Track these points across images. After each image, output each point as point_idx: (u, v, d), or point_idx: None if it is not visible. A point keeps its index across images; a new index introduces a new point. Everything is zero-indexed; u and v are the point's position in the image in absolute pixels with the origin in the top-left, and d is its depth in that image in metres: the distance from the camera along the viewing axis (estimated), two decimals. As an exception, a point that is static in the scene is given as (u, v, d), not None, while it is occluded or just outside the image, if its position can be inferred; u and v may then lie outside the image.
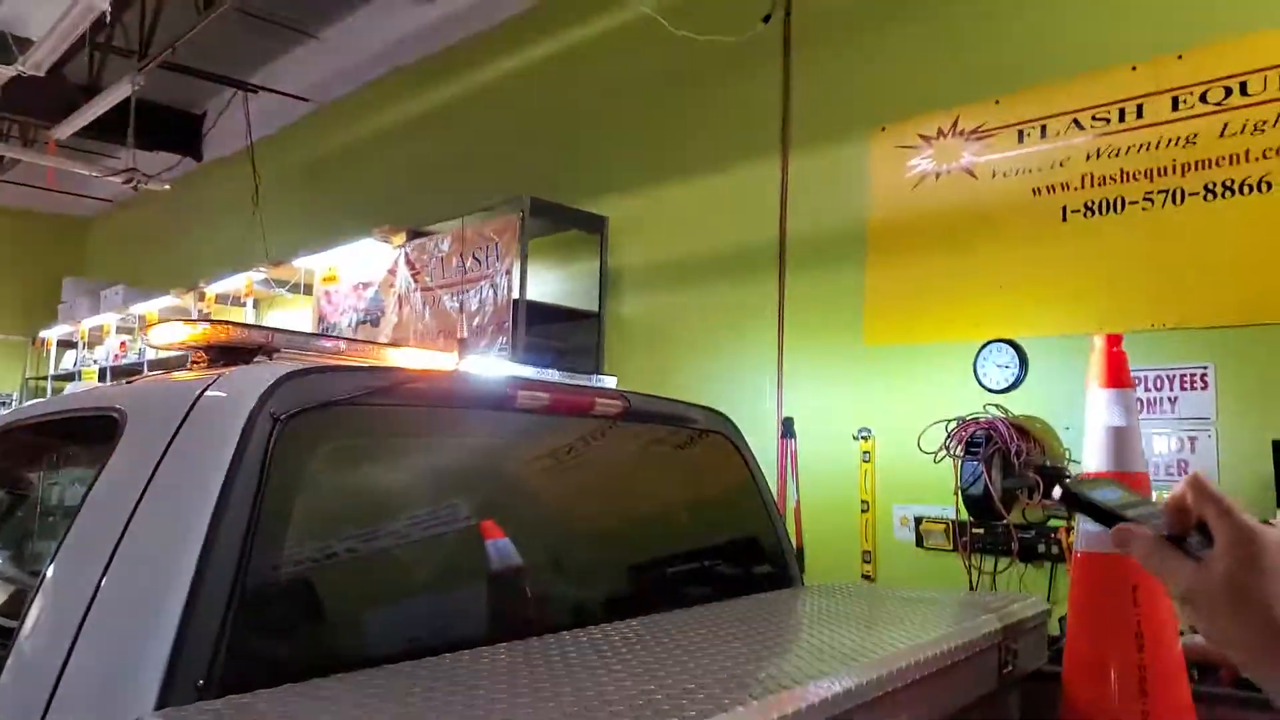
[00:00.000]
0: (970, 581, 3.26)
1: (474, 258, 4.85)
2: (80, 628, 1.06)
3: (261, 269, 6.55)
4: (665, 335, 4.64)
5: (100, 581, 1.09)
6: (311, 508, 1.27)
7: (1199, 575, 0.63)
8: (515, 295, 4.58)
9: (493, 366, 2.31)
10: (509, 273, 4.63)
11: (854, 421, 3.76)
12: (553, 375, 2.03)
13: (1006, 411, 3.27)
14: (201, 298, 7.25)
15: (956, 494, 3.15)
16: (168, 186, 6.78)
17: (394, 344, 4.41)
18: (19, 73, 5.60)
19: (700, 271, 4.50)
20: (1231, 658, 0.63)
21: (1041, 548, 3.15)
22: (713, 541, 1.96)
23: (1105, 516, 0.71)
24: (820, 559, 3.85)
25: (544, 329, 4.80)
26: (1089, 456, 1.61)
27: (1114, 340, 1.65)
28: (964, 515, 3.22)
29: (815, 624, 1.47)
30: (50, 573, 1.20)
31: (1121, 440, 1.59)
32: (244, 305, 7.02)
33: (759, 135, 4.25)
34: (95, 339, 8.98)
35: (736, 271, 4.31)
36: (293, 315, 7.08)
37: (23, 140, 7.90)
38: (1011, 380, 3.30)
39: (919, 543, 3.47)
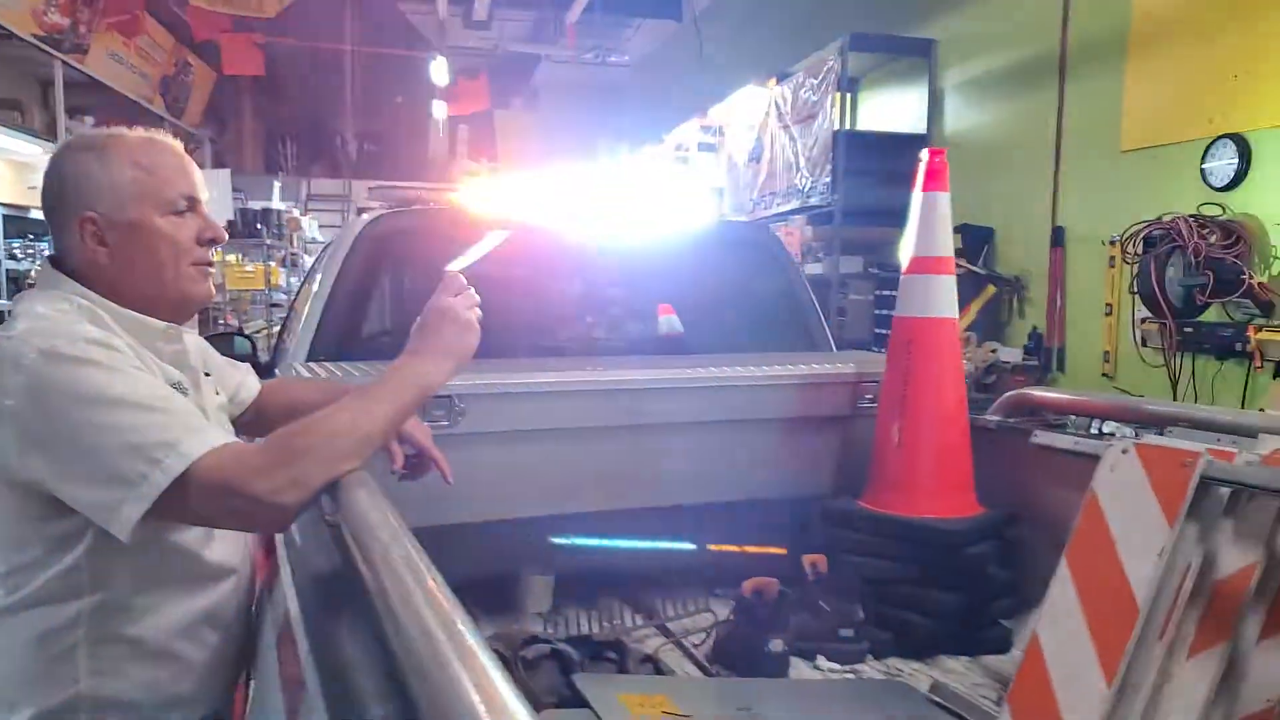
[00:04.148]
0: (1171, 376, 3.36)
1: (811, 94, 5.54)
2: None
3: (696, 119, 7.90)
4: (978, 152, 4.90)
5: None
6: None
7: None
8: (835, 128, 5.21)
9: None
10: (832, 106, 5.26)
11: (1109, 228, 3.84)
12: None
13: (1224, 209, 3.21)
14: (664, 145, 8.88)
15: (1131, 294, 3.26)
16: (626, 58, 8.35)
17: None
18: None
19: (1005, 87, 4.66)
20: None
21: (1239, 346, 3.15)
22: (760, 313, 2.75)
23: None
24: (1079, 358, 4.10)
25: (871, 156, 5.31)
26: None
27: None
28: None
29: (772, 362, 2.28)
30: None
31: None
32: (686, 151, 8.47)
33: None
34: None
35: (1031, 83, 4.42)
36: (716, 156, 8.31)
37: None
38: (1230, 178, 3.21)
39: (1143, 343, 3.58)
